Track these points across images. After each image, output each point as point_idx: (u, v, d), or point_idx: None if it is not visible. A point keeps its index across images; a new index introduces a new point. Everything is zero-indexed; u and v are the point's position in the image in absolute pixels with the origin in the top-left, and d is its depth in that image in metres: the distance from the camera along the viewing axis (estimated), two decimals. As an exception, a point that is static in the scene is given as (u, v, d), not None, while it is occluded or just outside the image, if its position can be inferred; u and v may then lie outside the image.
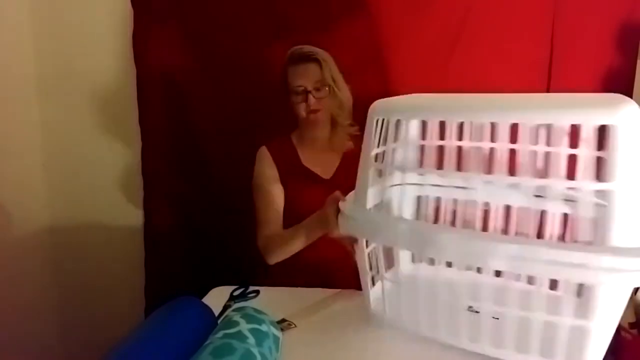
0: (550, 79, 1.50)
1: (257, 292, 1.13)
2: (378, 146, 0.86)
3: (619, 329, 1.43)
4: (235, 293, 1.12)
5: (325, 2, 1.50)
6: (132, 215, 1.64)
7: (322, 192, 1.12)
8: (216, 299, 1.07)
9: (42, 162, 1.50)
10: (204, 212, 1.63)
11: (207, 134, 1.59)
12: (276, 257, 1.23)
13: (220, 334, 0.77)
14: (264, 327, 0.81)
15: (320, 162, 1.34)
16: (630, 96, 1.49)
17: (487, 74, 1.50)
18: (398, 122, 0.84)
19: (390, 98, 0.91)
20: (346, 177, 1.24)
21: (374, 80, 1.52)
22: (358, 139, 1.28)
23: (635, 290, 1.43)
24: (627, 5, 1.46)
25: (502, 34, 1.49)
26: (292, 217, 1.24)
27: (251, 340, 0.76)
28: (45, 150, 1.50)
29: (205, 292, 1.14)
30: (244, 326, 0.79)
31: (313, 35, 1.43)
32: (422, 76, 1.51)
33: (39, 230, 1.49)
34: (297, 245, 1.19)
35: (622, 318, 1.43)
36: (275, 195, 1.29)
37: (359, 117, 1.10)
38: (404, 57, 1.51)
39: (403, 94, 0.95)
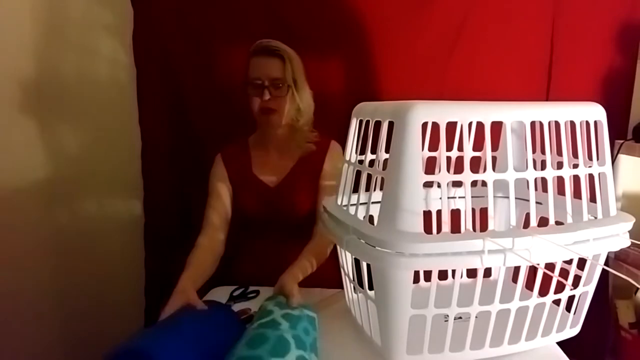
0: (550, 80, 1.50)
1: (257, 292, 1.13)
2: (358, 147, 0.87)
3: (619, 329, 1.43)
4: (235, 293, 1.12)
5: (323, 4, 1.50)
6: (132, 215, 1.64)
7: (265, 200, 1.13)
8: (216, 299, 1.08)
9: (42, 162, 1.50)
10: (204, 212, 1.63)
11: (208, 134, 1.59)
12: None
13: (256, 324, 0.80)
14: (296, 312, 0.84)
15: (271, 169, 1.30)
16: (630, 96, 1.50)
17: (486, 74, 1.50)
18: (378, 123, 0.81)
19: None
20: (290, 187, 1.23)
21: (370, 84, 1.52)
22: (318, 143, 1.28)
23: (636, 290, 1.43)
24: (627, 5, 1.47)
25: (501, 34, 1.49)
26: (236, 218, 1.28)
27: (284, 325, 0.79)
28: (45, 149, 1.50)
29: (205, 292, 1.14)
30: (277, 313, 0.82)
31: (311, 36, 1.43)
32: (420, 80, 1.51)
33: (39, 230, 1.48)
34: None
35: (622, 318, 1.43)
36: (216, 208, 1.27)
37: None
38: (402, 60, 1.51)
39: (400, 98, 0.95)
